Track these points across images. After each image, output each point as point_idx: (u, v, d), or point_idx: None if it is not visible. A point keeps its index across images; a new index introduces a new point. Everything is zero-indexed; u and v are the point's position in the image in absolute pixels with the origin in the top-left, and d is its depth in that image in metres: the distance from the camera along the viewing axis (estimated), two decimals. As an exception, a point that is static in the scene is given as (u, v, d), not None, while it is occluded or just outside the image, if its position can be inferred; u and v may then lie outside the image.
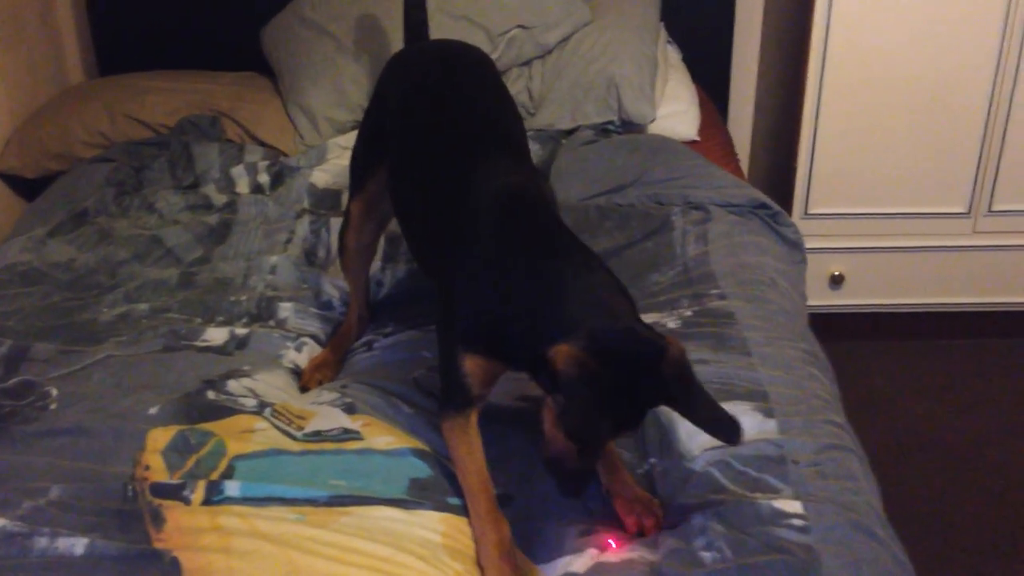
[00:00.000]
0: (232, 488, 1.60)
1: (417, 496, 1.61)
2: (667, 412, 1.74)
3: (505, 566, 1.50)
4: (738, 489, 1.60)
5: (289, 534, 1.52)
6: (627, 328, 1.43)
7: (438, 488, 1.64)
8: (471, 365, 1.57)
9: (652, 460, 1.73)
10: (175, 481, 1.63)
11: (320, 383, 1.98)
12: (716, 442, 1.64)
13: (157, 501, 1.59)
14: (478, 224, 1.60)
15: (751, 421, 1.72)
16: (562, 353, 1.37)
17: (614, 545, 1.55)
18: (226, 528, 1.53)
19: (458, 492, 1.63)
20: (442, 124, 1.83)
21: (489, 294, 1.54)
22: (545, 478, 1.64)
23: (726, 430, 1.45)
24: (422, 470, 1.67)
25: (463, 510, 1.60)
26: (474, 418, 1.62)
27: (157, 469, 1.67)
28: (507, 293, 1.51)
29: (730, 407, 1.73)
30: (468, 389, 1.59)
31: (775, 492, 1.58)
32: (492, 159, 1.71)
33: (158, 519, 1.56)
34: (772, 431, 1.70)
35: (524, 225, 1.59)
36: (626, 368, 1.39)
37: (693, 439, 1.70)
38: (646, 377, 1.40)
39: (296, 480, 1.63)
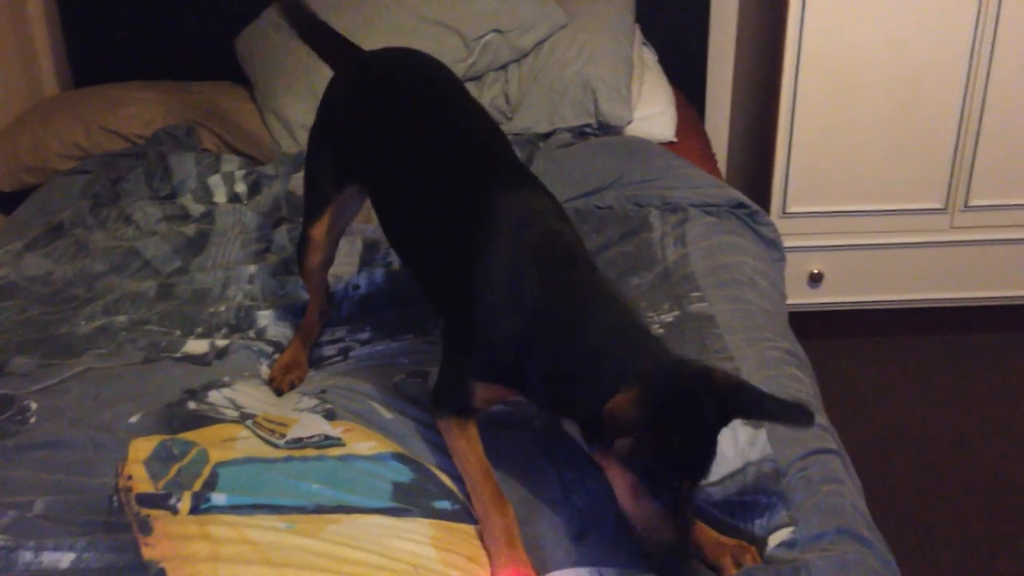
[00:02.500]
0: (218, 498, 1.60)
1: (402, 502, 1.61)
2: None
3: (512, 551, 1.50)
4: (736, 522, 1.59)
5: (279, 544, 1.51)
6: (674, 362, 1.46)
7: (423, 493, 1.63)
8: (481, 391, 1.63)
9: None
10: (160, 491, 1.62)
11: (293, 385, 1.96)
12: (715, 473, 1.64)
13: (144, 511, 1.58)
14: (504, 259, 1.60)
15: (741, 434, 1.71)
16: (621, 402, 1.38)
17: None
18: (215, 537, 1.52)
19: (444, 495, 1.63)
20: (438, 147, 1.82)
21: (515, 336, 1.55)
22: (525, 477, 1.65)
23: (799, 416, 1.48)
24: (404, 474, 1.66)
25: (451, 515, 1.60)
26: (473, 419, 1.66)
27: (140, 479, 1.66)
28: (539, 341, 1.53)
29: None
30: (470, 406, 1.64)
31: (770, 520, 1.57)
32: (509, 187, 1.69)
33: (146, 527, 1.55)
34: (763, 441, 1.69)
35: (555, 269, 1.58)
36: (687, 400, 1.40)
37: None
38: (707, 404, 1.41)
39: (279, 487, 1.63)
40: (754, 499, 1.61)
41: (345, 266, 2.36)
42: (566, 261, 1.60)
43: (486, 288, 1.60)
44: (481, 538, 1.56)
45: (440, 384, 1.69)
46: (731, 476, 1.65)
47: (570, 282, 1.58)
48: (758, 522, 1.57)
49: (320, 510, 1.58)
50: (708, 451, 1.43)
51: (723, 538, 1.54)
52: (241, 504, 1.59)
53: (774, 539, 1.53)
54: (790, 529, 1.54)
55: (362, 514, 1.58)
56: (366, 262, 2.39)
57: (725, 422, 1.46)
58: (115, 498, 1.62)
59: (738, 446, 1.69)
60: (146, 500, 1.60)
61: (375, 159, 1.91)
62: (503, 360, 1.58)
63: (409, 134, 1.87)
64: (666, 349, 1.51)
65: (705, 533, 1.55)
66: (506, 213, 1.64)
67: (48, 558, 1.49)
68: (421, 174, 1.81)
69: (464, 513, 1.61)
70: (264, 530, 1.54)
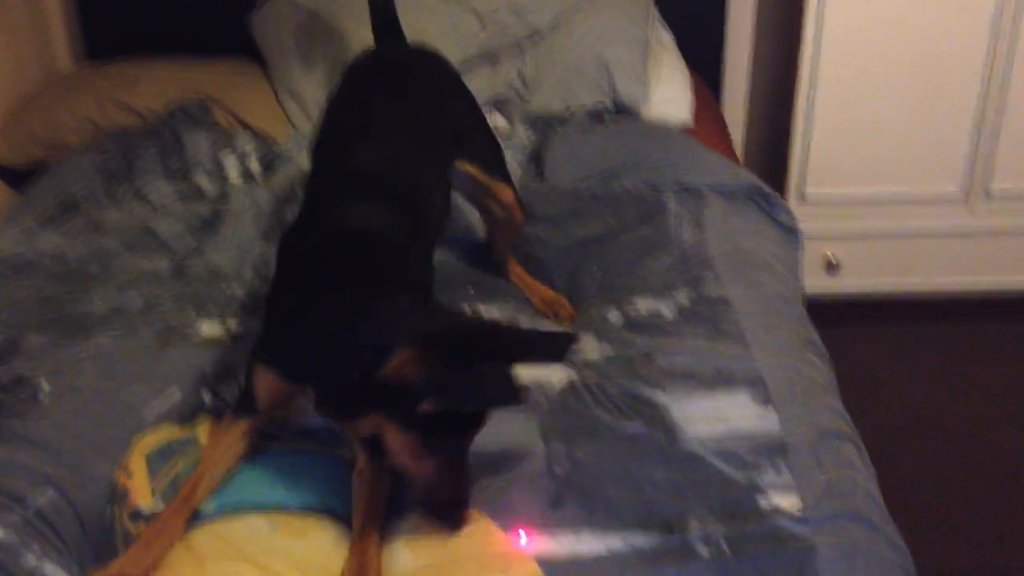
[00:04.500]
0: (207, 507, 1.60)
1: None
2: (664, 407, 1.74)
3: (136, 553, 1.52)
4: (737, 477, 1.59)
5: (262, 550, 1.52)
6: (445, 320, 1.54)
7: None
8: (261, 380, 1.63)
9: (639, 429, 1.72)
10: (154, 510, 1.62)
11: None
12: (712, 428, 1.68)
13: (134, 526, 1.59)
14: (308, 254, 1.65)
15: (750, 410, 1.72)
16: (405, 361, 1.40)
17: (524, 538, 1.54)
18: (199, 550, 1.52)
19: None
20: (336, 154, 1.86)
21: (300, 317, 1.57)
22: (507, 456, 1.65)
23: (560, 340, 1.58)
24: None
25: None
26: (244, 426, 1.66)
27: (139, 475, 1.66)
28: (316, 312, 1.54)
29: (728, 395, 1.74)
30: (254, 399, 1.65)
31: (774, 482, 1.58)
32: (353, 205, 1.70)
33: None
34: (771, 419, 1.70)
35: (343, 260, 1.61)
36: (464, 351, 1.43)
37: (690, 424, 1.70)
38: (483, 351, 1.44)
39: (267, 484, 1.63)
40: (756, 460, 1.61)
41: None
42: (364, 252, 1.62)
43: (281, 265, 1.69)
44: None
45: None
46: (732, 437, 1.66)
47: (354, 265, 1.59)
48: (758, 475, 1.59)
49: (305, 509, 1.60)
50: (492, 397, 1.46)
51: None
52: (227, 504, 1.60)
53: (781, 502, 1.54)
54: (799, 503, 1.54)
55: (342, 520, 1.59)
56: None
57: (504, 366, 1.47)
58: (109, 509, 1.62)
59: (745, 416, 1.70)
60: (138, 517, 1.61)
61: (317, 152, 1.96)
62: (279, 347, 1.61)
63: (336, 134, 1.92)
64: (439, 311, 1.57)
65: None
66: (329, 212, 1.70)
67: (50, 569, 1.49)
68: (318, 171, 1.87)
69: None
70: (247, 529, 1.55)
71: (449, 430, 1.47)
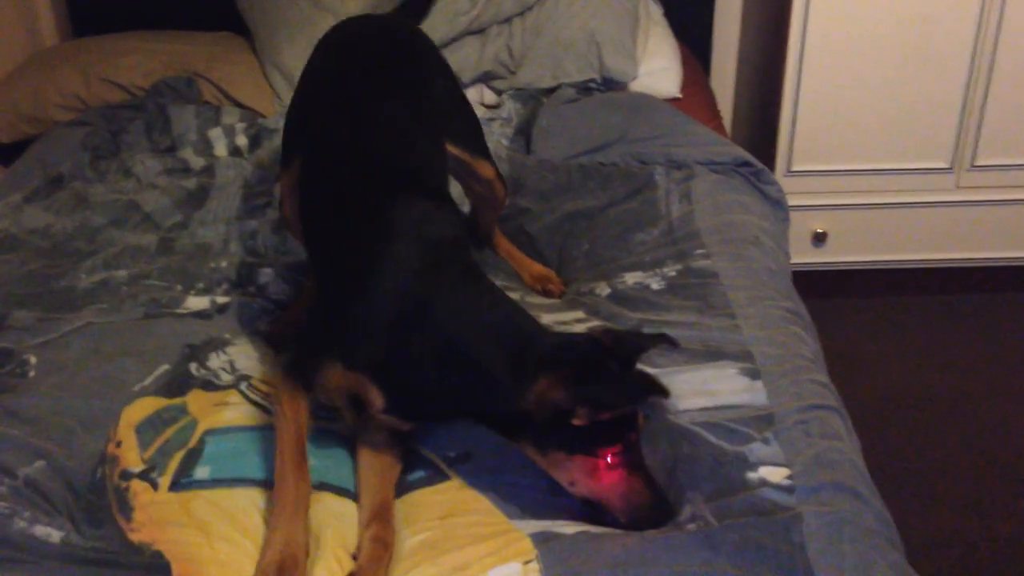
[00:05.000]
0: (201, 472, 1.60)
1: None
2: (651, 371, 1.74)
3: (293, 522, 1.46)
4: (725, 449, 1.60)
5: (257, 524, 1.52)
6: (563, 338, 1.52)
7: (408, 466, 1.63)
8: (333, 375, 1.57)
9: None
10: (145, 467, 1.62)
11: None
12: (701, 401, 1.69)
13: (124, 484, 1.59)
14: (396, 253, 1.59)
15: (738, 383, 1.73)
16: (551, 387, 1.41)
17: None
18: (198, 515, 1.52)
19: (421, 465, 1.63)
20: (359, 139, 1.81)
21: (394, 323, 1.53)
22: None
23: (667, 341, 1.59)
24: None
25: (425, 481, 1.61)
26: (308, 397, 1.59)
27: (129, 446, 1.66)
28: (424, 329, 1.51)
29: (717, 368, 1.75)
30: (314, 384, 1.59)
31: (761, 453, 1.58)
32: (410, 199, 1.68)
33: (125, 508, 1.55)
34: (759, 391, 1.71)
35: (445, 266, 1.58)
36: (594, 363, 1.44)
37: (680, 400, 1.70)
38: (608, 360, 1.45)
39: (263, 459, 1.62)
40: (747, 432, 1.62)
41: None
42: (455, 262, 1.60)
43: (374, 274, 1.57)
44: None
45: (297, 351, 1.64)
46: (721, 408, 1.67)
47: (457, 278, 1.57)
48: (746, 448, 1.59)
49: None
50: (640, 393, 1.48)
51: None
52: (223, 478, 1.59)
53: (769, 474, 1.54)
54: (786, 473, 1.54)
55: (336, 495, 1.59)
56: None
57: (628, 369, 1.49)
58: (99, 470, 1.62)
59: (733, 389, 1.71)
60: (128, 475, 1.61)
61: (312, 133, 1.92)
62: (373, 349, 1.54)
63: (340, 113, 1.87)
64: (548, 331, 1.55)
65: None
66: (405, 211, 1.64)
67: (40, 530, 1.49)
68: (334, 163, 1.81)
69: (438, 476, 1.62)
70: (244, 503, 1.54)
71: (607, 439, 1.45)
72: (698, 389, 1.72)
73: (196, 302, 2.06)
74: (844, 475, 1.56)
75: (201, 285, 2.12)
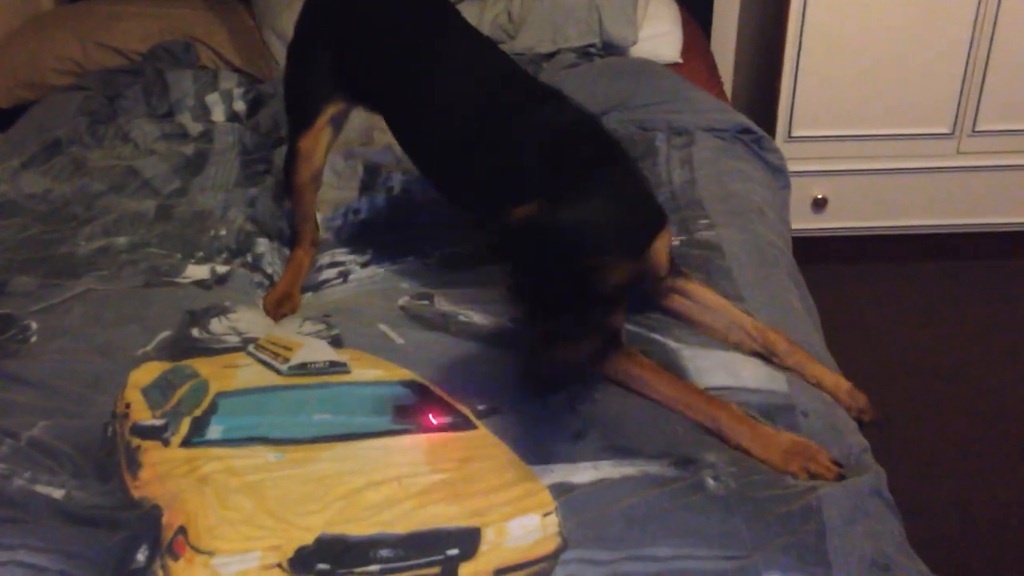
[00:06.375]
0: (213, 431, 1.60)
1: (402, 423, 1.62)
2: (675, 351, 1.75)
3: (756, 430, 1.55)
4: None
5: (263, 474, 1.52)
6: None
7: (423, 412, 1.63)
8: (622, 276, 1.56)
9: None
10: (157, 422, 1.62)
11: (285, 316, 1.96)
12: (725, 378, 1.68)
13: (136, 441, 1.59)
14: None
15: (760, 370, 1.72)
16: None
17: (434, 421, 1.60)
18: (201, 469, 1.53)
19: (446, 412, 1.63)
20: (462, 67, 1.87)
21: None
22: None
23: None
24: (408, 398, 1.67)
25: (450, 426, 1.61)
26: (624, 344, 1.68)
27: (138, 407, 1.66)
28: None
29: (733, 356, 1.74)
30: (612, 330, 1.62)
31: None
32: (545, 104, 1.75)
33: (134, 464, 1.56)
34: (781, 382, 1.69)
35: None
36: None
37: (701, 374, 1.70)
38: None
39: (277, 418, 1.63)
40: (768, 421, 1.61)
41: (346, 191, 2.33)
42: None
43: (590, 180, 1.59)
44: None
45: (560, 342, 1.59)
46: (743, 390, 1.67)
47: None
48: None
49: (316, 440, 1.59)
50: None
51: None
52: (235, 438, 1.59)
53: None
54: None
55: (360, 439, 1.59)
56: (367, 186, 2.37)
57: None
58: (110, 427, 1.63)
59: (756, 376, 1.70)
60: (140, 430, 1.61)
61: (387, 83, 1.92)
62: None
63: (421, 54, 1.88)
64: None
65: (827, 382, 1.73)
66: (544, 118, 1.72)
67: (42, 489, 1.50)
68: (448, 92, 1.85)
69: (463, 423, 1.62)
70: (251, 459, 1.55)
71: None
72: (719, 366, 1.72)
73: (196, 271, 2.05)
74: (858, 460, 1.57)
75: (201, 254, 2.11)
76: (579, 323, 1.51)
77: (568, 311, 1.49)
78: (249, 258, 2.13)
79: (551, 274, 1.46)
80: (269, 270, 2.11)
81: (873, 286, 3.17)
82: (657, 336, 1.79)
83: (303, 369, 1.74)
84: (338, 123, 2.06)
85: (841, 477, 1.50)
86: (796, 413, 1.63)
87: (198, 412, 1.64)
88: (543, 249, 1.45)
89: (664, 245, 1.73)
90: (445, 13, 1.96)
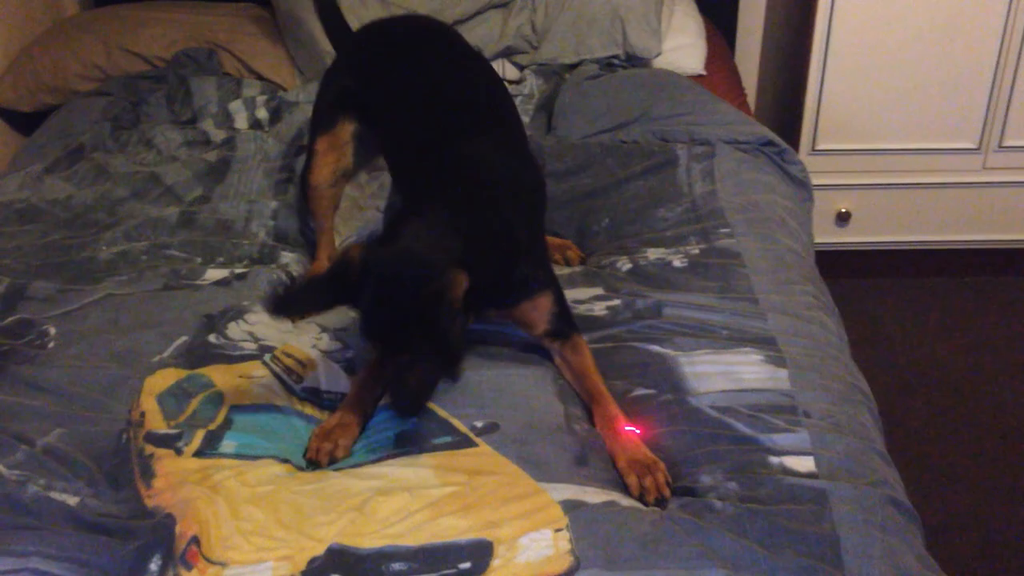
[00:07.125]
0: (227, 447, 1.60)
1: (403, 447, 1.61)
2: (673, 360, 1.74)
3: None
4: (749, 436, 1.58)
5: (276, 485, 1.52)
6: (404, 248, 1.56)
7: (423, 436, 1.63)
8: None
9: (647, 391, 1.71)
10: (172, 431, 1.62)
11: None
12: (723, 384, 1.67)
13: (150, 449, 1.59)
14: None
15: (762, 370, 1.71)
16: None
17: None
18: (213, 477, 1.53)
19: (445, 432, 1.63)
20: (437, 101, 1.93)
21: None
22: (528, 407, 1.66)
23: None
24: (408, 423, 1.66)
25: (452, 445, 1.60)
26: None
27: (153, 415, 1.66)
28: None
29: (738, 353, 1.72)
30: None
31: (787, 443, 1.57)
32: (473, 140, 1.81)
33: (147, 473, 1.56)
34: (783, 381, 1.68)
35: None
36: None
37: (700, 380, 1.69)
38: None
39: (290, 443, 1.63)
40: (770, 420, 1.61)
41: (370, 210, 2.34)
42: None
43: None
44: None
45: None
46: (743, 392, 1.66)
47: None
48: (769, 436, 1.58)
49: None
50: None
51: (641, 452, 1.60)
52: (248, 454, 1.60)
53: (795, 463, 1.53)
54: (812, 463, 1.53)
55: (364, 466, 1.59)
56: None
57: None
58: (124, 434, 1.63)
59: (757, 377, 1.69)
60: (154, 439, 1.61)
61: (385, 109, 2.00)
62: None
63: (413, 90, 1.97)
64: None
65: (621, 445, 1.63)
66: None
67: (57, 496, 1.51)
68: (419, 122, 1.91)
69: (465, 442, 1.61)
70: (265, 470, 1.56)
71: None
72: (719, 373, 1.71)
73: (216, 273, 2.06)
74: (872, 468, 1.54)
75: (222, 259, 2.12)
76: (414, 349, 1.54)
77: (394, 341, 1.55)
78: (274, 266, 2.12)
79: (374, 311, 1.53)
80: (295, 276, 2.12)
81: (896, 300, 3.15)
82: (654, 347, 1.78)
83: (316, 397, 1.74)
84: (362, 141, 2.08)
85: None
86: (798, 413, 1.61)
87: (213, 426, 1.64)
88: (366, 288, 1.52)
89: (531, 309, 1.76)
90: (448, 44, 2.07)
